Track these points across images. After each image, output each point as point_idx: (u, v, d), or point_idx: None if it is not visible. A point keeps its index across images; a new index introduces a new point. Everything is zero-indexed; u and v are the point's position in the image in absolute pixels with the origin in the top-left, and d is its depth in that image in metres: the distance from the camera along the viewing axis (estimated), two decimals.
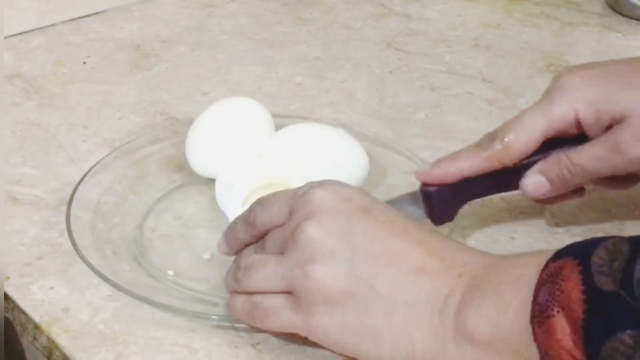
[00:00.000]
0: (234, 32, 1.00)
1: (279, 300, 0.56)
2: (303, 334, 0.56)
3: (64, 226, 0.65)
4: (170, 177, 0.74)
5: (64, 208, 0.67)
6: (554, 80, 0.65)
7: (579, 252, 0.48)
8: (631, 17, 1.02)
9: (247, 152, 0.71)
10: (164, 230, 0.69)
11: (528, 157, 0.64)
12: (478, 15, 1.04)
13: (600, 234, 0.68)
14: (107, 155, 0.74)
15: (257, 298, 0.57)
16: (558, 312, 0.47)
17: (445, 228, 0.65)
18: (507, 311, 0.50)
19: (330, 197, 0.56)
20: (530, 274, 0.49)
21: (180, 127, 0.78)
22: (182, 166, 0.74)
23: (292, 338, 0.58)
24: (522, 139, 0.63)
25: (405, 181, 0.69)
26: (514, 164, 0.64)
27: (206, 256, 0.66)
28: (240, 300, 0.58)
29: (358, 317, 0.54)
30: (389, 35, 0.99)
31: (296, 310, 0.55)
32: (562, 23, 1.02)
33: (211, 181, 0.71)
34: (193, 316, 0.60)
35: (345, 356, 0.56)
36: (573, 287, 0.47)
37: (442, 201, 0.65)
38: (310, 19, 1.03)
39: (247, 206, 0.63)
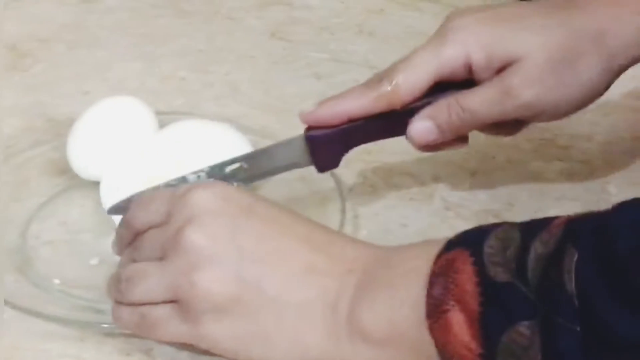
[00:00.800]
0: (113, 28, 0.98)
1: (166, 310, 0.54)
2: (192, 342, 0.55)
3: None
4: (53, 181, 0.72)
5: None
6: (445, 21, 0.64)
7: (470, 242, 0.48)
8: None
9: (131, 152, 0.69)
10: (48, 237, 0.67)
11: (417, 100, 0.63)
12: (361, 2, 1.04)
13: (490, 217, 0.69)
14: None
15: (144, 309, 0.55)
16: (453, 306, 0.46)
17: (336, 219, 0.65)
18: (401, 307, 0.49)
19: (211, 198, 0.55)
20: (422, 267, 0.49)
21: (61, 128, 0.76)
22: (65, 169, 0.72)
23: (186, 344, 0.57)
24: (412, 80, 0.62)
25: (294, 173, 0.68)
26: (402, 107, 0.62)
27: (94, 262, 0.65)
28: (127, 312, 0.56)
29: (248, 323, 0.53)
30: (272, 25, 0.98)
31: (183, 319, 0.54)
32: (444, 6, 1.02)
33: (96, 184, 0.69)
34: (82, 325, 0.59)
35: None
36: (467, 279, 0.46)
37: (326, 146, 0.63)
38: (191, 11, 1.01)
39: None
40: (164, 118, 0.73)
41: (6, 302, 0.59)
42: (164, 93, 0.86)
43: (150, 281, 0.54)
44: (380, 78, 0.63)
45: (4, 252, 0.65)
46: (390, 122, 0.63)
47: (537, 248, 0.45)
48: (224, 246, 0.53)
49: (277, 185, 0.68)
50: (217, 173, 0.64)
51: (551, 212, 0.69)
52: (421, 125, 0.63)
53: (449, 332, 0.46)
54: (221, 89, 0.86)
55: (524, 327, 0.44)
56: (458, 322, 0.46)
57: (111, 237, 0.65)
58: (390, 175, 0.74)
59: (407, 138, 0.63)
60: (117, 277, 0.57)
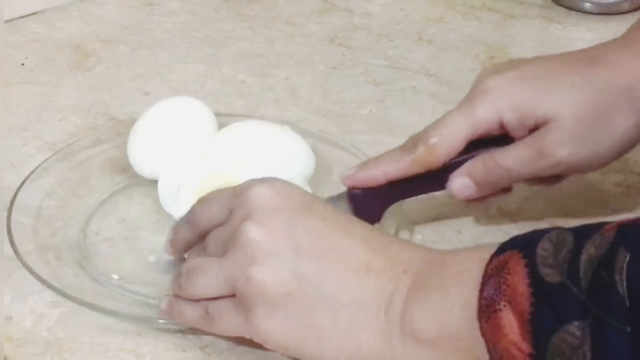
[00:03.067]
0: (175, 31, 0.99)
1: (224, 304, 0.55)
2: (247, 336, 0.55)
3: (4, 232, 0.64)
4: (113, 179, 0.73)
5: (5, 214, 0.66)
6: (476, 81, 0.65)
7: (523, 245, 0.48)
8: (571, 9, 1.03)
9: (190, 151, 0.70)
10: (108, 234, 0.68)
11: (453, 157, 0.64)
12: (420, 9, 1.04)
13: (546, 226, 0.68)
14: (48, 159, 0.73)
15: (204, 304, 0.56)
16: (505, 306, 0.47)
17: (392, 224, 0.65)
18: (453, 308, 0.50)
19: (270, 194, 0.56)
20: (474, 269, 0.49)
21: (122, 128, 0.77)
22: (125, 168, 0.73)
23: (241, 340, 0.58)
24: (446, 143, 0.63)
25: None
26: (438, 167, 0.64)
27: (151, 259, 0.66)
28: (189, 306, 0.57)
29: (302, 318, 0.53)
30: (332, 31, 0.99)
31: (240, 312, 0.55)
32: (503, 15, 1.02)
33: (155, 182, 0.70)
34: (139, 320, 0.60)
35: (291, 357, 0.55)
36: (519, 280, 0.47)
37: (368, 203, 0.65)
38: (252, 15, 1.02)
39: None
40: (224, 120, 0.73)
41: (66, 295, 0.60)
42: (223, 95, 0.86)
43: (209, 275, 0.56)
44: (414, 142, 0.64)
45: (65, 247, 0.66)
46: (429, 179, 0.64)
47: (589, 250, 0.45)
48: (281, 242, 0.54)
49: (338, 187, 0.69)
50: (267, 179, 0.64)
51: None
52: (459, 182, 0.64)
53: (499, 332, 0.47)
54: (280, 93, 0.87)
55: (574, 327, 0.44)
56: (509, 322, 0.46)
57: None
58: None
59: (448, 193, 0.65)
60: (179, 271, 0.58)
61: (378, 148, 0.74)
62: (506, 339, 0.46)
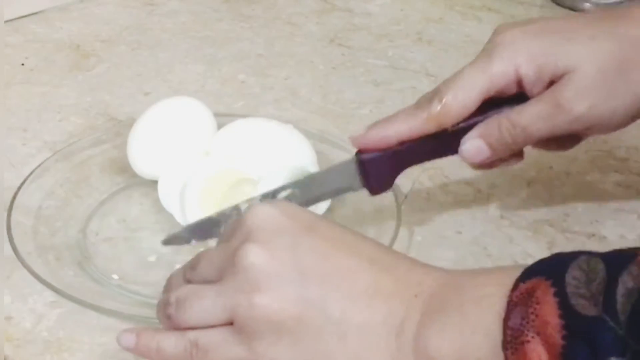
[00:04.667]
0: (175, 31, 0.99)
1: (219, 334, 0.51)
2: None
3: (4, 232, 0.64)
4: (113, 179, 0.73)
5: (5, 214, 0.66)
6: (492, 36, 0.63)
7: (551, 272, 0.45)
8: (571, 9, 1.03)
9: (190, 151, 0.70)
10: (107, 234, 0.68)
11: (467, 119, 0.61)
12: (420, 10, 1.04)
13: (546, 226, 0.69)
14: (47, 159, 0.72)
15: (192, 335, 0.51)
16: (533, 337, 0.44)
17: (391, 225, 0.65)
18: (473, 334, 0.46)
19: (272, 214, 0.52)
20: (496, 294, 0.46)
21: (122, 128, 0.77)
22: (125, 168, 0.72)
23: None
24: (461, 99, 0.60)
25: None
26: (452, 127, 0.61)
27: (151, 259, 0.66)
28: (171, 340, 0.52)
29: (309, 344, 0.50)
30: (331, 31, 0.99)
31: (240, 342, 0.50)
32: (503, 15, 1.02)
33: (155, 183, 0.70)
34: (139, 320, 0.59)
35: None
36: (549, 310, 0.44)
37: (378, 169, 0.62)
38: (252, 15, 1.02)
39: (203, 202, 0.63)
40: (224, 120, 0.73)
41: (66, 295, 0.60)
42: (223, 95, 0.86)
43: (205, 302, 0.51)
44: (429, 98, 0.62)
45: (65, 247, 0.66)
46: (441, 142, 0.62)
47: (627, 282, 0.43)
48: (284, 264, 0.50)
49: None
50: (270, 200, 0.63)
51: (607, 224, 0.69)
52: (472, 145, 0.61)
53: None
54: (280, 93, 0.87)
55: None
56: (538, 355, 0.43)
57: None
58: (446, 182, 0.74)
59: (460, 157, 0.63)
60: (166, 300, 0.53)
61: None
62: None
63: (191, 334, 0.51)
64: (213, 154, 0.70)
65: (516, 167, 0.73)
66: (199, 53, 0.94)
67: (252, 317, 0.49)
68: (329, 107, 0.85)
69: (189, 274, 0.54)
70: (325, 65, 0.92)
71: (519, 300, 0.45)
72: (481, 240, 0.68)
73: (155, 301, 0.60)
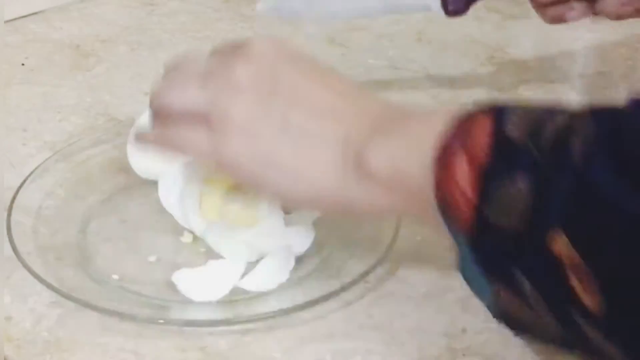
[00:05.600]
0: (175, 31, 0.99)
1: (196, 124, 0.58)
2: (211, 159, 0.58)
3: (4, 232, 0.64)
4: (113, 179, 0.73)
5: (5, 214, 0.66)
6: None
7: (494, 108, 0.49)
8: None
9: None
10: (108, 234, 0.68)
11: None
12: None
13: None
14: (47, 159, 0.73)
15: (175, 122, 0.59)
16: (462, 153, 0.47)
17: (391, 224, 0.65)
18: (411, 151, 0.51)
19: (266, 45, 0.58)
20: (442, 120, 0.50)
21: (122, 128, 0.77)
22: (125, 168, 0.72)
23: (242, 341, 0.58)
24: None
25: None
26: None
27: (152, 259, 0.66)
28: (157, 130, 0.61)
29: (267, 146, 0.56)
30: (331, 31, 0.99)
31: (211, 135, 0.57)
32: (503, 16, 1.02)
33: (155, 183, 0.70)
34: (139, 321, 0.60)
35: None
36: (482, 132, 0.47)
37: None
38: (252, 15, 1.02)
39: (203, 203, 0.64)
40: None
41: (66, 296, 0.60)
42: None
43: (191, 89, 0.59)
44: None
45: (65, 247, 0.66)
46: None
47: (557, 120, 0.46)
48: (263, 80, 0.57)
49: None
50: None
51: None
52: None
53: (450, 177, 0.47)
54: None
55: (522, 182, 0.45)
56: (462, 169, 0.47)
57: (169, 237, 0.67)
58: None
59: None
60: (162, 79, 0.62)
61: None
62: (455, 186, 0.47)
63: (175, 119, 0.59)
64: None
65: None
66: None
67: (226, 115, 0.57)
68: None
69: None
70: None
71: (459, 123, 0.49)
72: None
73: (156, 302, 0.61)
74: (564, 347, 0.49)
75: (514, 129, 0.46)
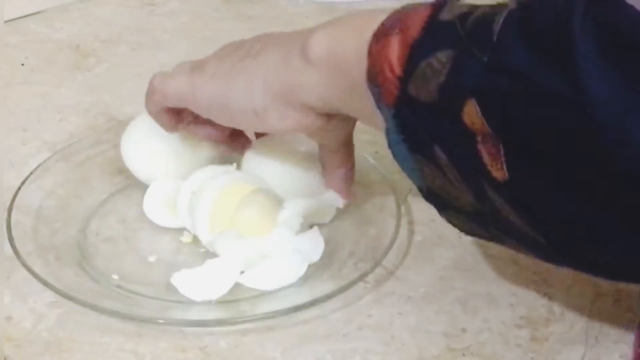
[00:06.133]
0: (175, 31, 0.99)
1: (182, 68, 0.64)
2: (187, 91, 0.63)
3: (4, 232, 0.64)
4: (113, 179, 0.73)
5: (5, 214, 0.66)
6: None
7: (442, 2, 0.51)
8: None
9: (183, 157, 0.69)
10: (107, 234, 0.68)
11: None
12: None
13: None
14: (47, 159, 0.72)
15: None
16: (397, 33, 0.50)
17: (391, 224, 0.65)
18: (348, 35, 0.54)
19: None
20: (384, 14, 0.52)
21: (122, 128, 0.76)
22: (124, 168, 0.72)
23: (241, 341, 0.58)
24: None
25: None
26: None
27: (151, 259, 0.66)
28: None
29: (231, 68, 0.61)
30: None
31: (189, 79, 0.63)
32: None
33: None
34: (139, 321, 0.60)
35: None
36: (418, 18, 0.50)
37: None
38: (252, 16, 1.02)
39: (214, 213, 0.64)
40: None
41: (66, 295, 0.60)
42: None
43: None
44: None
45: (65, 247, 0.66)
46: None
47: (485, 9, 0.48)
48: (237, 47, 0.63)
49: None
50: None
51: None
52: None
53: (382, 52, 0.50)
54: None
55: (442, 54, 0.48)
56: (393, 45, 0.50)
57: (169, 237, 0.67)
58: None
59: None
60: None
61: (378, 148, 0.74)
62: (385, 60, 0.50)
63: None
64: (245, 169, 0.69)
65: None
66: (199, 53, 0.93)
67: (202, 61, 0.64)
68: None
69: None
70: None
71: (400, 10, 0.52)
72: (481, 240, 0.68)
73: (155, 302, 0.61)
74: (481, 226, 0.52)
75: (447, 14, 0.49)
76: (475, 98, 0.46)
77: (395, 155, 0.53)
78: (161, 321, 0.59)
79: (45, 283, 0.60)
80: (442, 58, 0.47)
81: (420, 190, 0.54)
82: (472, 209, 0.51)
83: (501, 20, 0.46)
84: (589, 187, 0.44)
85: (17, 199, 0.67)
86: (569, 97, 0.42)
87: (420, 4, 0.52)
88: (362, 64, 0.52)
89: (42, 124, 0.82)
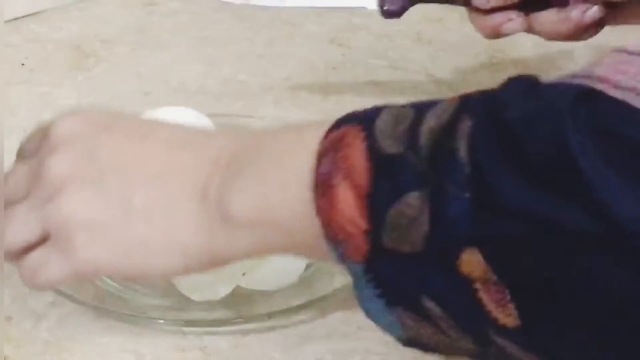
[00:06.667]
0: (175, 31, 0.99)
1: (42, 252, 0.52)
2: (76, 275, 0.53)
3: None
4: None
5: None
6: None
7: (362, 119, 0.46)
8: None
9: None
10: None
11: None
12: (420, 10, 1.03)
13: None
14: None
15: (21, 260, 0.53)
16: (341, 181, 0.44)
17: None
18: (276, 189, 0.47)
19: (70, 125, 0.53)
20: (303, 147, 0.46)
21: None
22: None
23: (241, 341, 0.58)
24: None
25: None
26: None
27: None
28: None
29: (121, 235, 0.51)
30: (331, 31, 0.99)
31: (60, 253, 0.52)
32: None
33: None
34: (139, 320, 0.60)
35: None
36: (357, 153, 0.44)
37: None
38: (252, 16, 1.02)
39: None
40: (224, 120, 0.73)
41: (65, 296, 0.60)
42: (223, 96, 0.86)
43: (18, 219, 0.53)
44: None
45: None
46: None
47: (430, 121, 0.43)
48: (84, 167, 0.52)
49: None
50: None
51: None
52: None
53: (334, 209, 0.44)
54: (280, 93, 0.87)
55: (412, 198, 0.41)
56: (345, 198, 0.44)
57: None
58: None
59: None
60: None
61: None
62: (342, 216, 0.44)
63: (20, 259, 0.53)
64: None
65: None
66: (199, 53, 0.94)
67: (62, 222, 0.51)
68: (329, 107, 0.85)
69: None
70: (325, 65, 0.92)
71: (330, 146, 0.45)
72: None
73: (155, 301, 0.61)
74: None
75: (387, 142, 0.43)
76: (476, 247, 0.40)
77: (368, 311, 0.46)
78: (161, 321, 0.59)
79: None
80: (412, 202, 0.41)
81: (400, 339, 0.46)
82: (472, 352, 0.45)
83: (465, 142, 0.41)
84: (619, 321, 0.39)
85: None
86: (597, 231, 0.37)
87: (336, 123, 0.46)
88: (307, 222, 0.46)
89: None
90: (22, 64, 0.92)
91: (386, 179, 0.43)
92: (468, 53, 0.94)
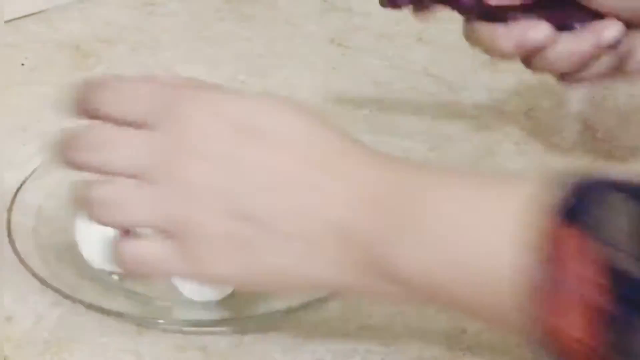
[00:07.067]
0: (175, 31, 0.99)
1: (160, 246, 0.50)
2: (194, 279, 0.53)
3: (4, 232, 0.64)
4: None
5: (5, 214, 0.66)
6: None
7: (587, 217, 0.38)
8: None
9: None
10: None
11: None
12: None
13: None
14: (48, 159, 0.72)
15: (125, 242, 0.51)
16: (568, 294, 0.38)
17: None
18: (464, 265, 0.42)
19: (213, 122, 0.49)
20: (498, 221, 0.41)
21: None
22: None
23: (241, 341, 0.58)
24: None
25: None
26: None
27: None
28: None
29: (252, 256, 0.48)
30: (331, 31, 0.99)
31: (180, 255, 0.49)
32: None
33: None
34: (139, 320, 0.60)
35: None
36: (583, 263, 0.38)
37: None
38: (252, 15, 1.02)
39: None
40: None
41: (65, 296, 0.60)
42: None
43: (138, 211, 0.49)
44: None
45: (65, 247, 0.66)
46: None
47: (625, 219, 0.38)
48: (226, 180, 0.48)
49: None
50: None
51: None
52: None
53: (559, 322, 0.39)
54: (280, 93, 0.87)
55: None
56: (574, 316, 0.38)
57: None
58: None
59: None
60: (84, 195, 0.51)
61: (378, 148, 0.74)
62: (566, 333, 0.38)
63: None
64: None
65: (515, 166, 0.73)
66: (199, 53, 0.94)
67: (193, 236, 0.48)
68: (329, 108, 0.85)
69: (99, 153, 0.51)
70: (325, 65, 0.92)
71: (546, 247, 0.39)
72: None
73: (155, 301, 0.61)
74: None
75: (623, 257, 0.37)
76: None
77: None
78: (161, 321, 0.59)
79: (45, 283, 0.60)
80: None
81: None
82: None
83: None
84: None
85: (17, 199, 0.67)
86: None
87: (552, 214, 0.39)
88: (512, 316, 0.40)
89: (42, 124, 0.82)
90: (22, 64, 0.92)
91: (628, 304, 0.37)
92: (468, 53, 0.94)
